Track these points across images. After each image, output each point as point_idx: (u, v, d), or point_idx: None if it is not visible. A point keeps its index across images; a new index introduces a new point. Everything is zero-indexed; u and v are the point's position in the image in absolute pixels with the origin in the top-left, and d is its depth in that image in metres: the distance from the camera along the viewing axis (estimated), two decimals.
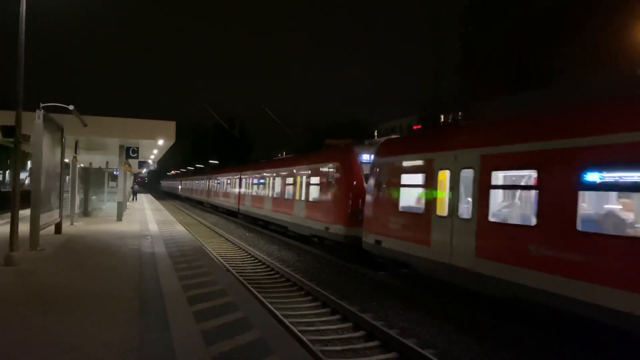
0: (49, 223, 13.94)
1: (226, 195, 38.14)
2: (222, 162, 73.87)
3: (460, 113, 44.31)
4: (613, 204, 8.04)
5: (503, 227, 9.46)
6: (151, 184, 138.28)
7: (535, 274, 8.30)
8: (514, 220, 9.59)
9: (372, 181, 14.20)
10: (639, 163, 6.96)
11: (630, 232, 7.41)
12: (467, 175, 10.25)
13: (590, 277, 7.32)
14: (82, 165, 25.07)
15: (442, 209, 10.91)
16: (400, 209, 12.65)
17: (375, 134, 67.52)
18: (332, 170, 17.70)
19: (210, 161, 77.42)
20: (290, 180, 22.34)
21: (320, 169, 18.80)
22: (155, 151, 26.71)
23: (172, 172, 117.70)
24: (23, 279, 9.05)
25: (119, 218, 21.75)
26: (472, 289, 10.15)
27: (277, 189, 24.28)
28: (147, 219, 24.15)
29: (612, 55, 26.03)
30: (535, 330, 8.85)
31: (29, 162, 28.99)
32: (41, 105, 12.46)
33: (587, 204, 8.20)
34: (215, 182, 43.50)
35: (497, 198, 9.98)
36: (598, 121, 7.93)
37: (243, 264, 17.04)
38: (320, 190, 18.56)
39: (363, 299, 12.02)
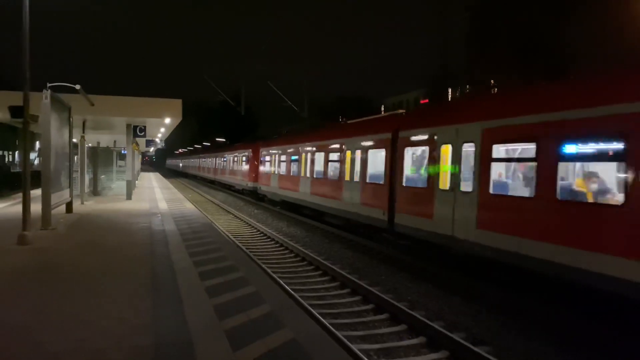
0: (60, 202, 14.11)
1: (208, 170, 54.66)
2: (229, 140, 73.92)
3: (467, 86, 43.72)
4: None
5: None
6: (158, 162, 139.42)
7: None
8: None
9: (260, 160, 30.96)
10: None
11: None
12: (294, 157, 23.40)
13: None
14: (90, 145, 25.17)
15: (277, 171, 26.13)
16: (265, 172, 28.84)
17: (382, 109, 67.15)
18: (248, 154, 33.95)
19: (217, 139, 77.37)
20: (235, 159, 39.17)
21: (244, 153, 35.64)
22: (162, 129, 26.70)
23: (179, 150, 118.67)
24: (37, 257, 9.21)
25: (129, 197, 21.91)
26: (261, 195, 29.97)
27: (229, 164, 41.64)
28: (156, 197, 24.33)
29: (623, 26, 25.47)
30: (544, 301, 8.91)
31: (37, 143, 29.04)
32: (48, 85, 12.45)
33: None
34: (202, 160, 61.07)
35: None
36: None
37: (252, 240, 17.19)
38: (244, 165, 35.18)
39: (372, 273, 12.15)
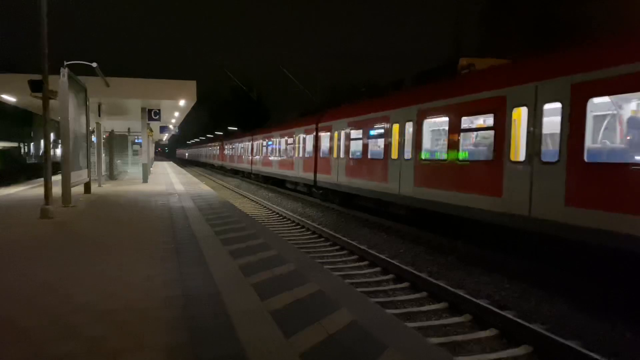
0: (79, 182, 14.25)
1: (207, 157, 70.27)
2: (241, 128, 74.02)
3: None
4: None
5: None
6: (171, 153, 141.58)
7: None
8: None
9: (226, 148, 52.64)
10: None
11: None
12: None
13: None
14: (106, 133, 25.35)
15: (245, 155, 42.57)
16: (229, 155, 49.57)
17: None
18: (219, 145, 57.44)
19: (229, 128, 77.56)
20: (218, 148, 57.22)
21: (217, 144, 59.04)
22: (176, 114, 26.72)
23: (191, 141, 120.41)
24: (60, 228, 9.31)
25: (145, 180, 22.07)
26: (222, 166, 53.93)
27: (216, 152, 59.16)
28: (172, 181, 24.49)
29: None
30: (565, 269, 8.83)
31: (51, 135, 29.21)
32: (65, 63, 12.54)
33: None
34: (203, 150, 77.13)
35: None
36: None
37: (270, 219, 17.25)
38: (218, 152, 56.50)
39: (391, 247, 12.14)
